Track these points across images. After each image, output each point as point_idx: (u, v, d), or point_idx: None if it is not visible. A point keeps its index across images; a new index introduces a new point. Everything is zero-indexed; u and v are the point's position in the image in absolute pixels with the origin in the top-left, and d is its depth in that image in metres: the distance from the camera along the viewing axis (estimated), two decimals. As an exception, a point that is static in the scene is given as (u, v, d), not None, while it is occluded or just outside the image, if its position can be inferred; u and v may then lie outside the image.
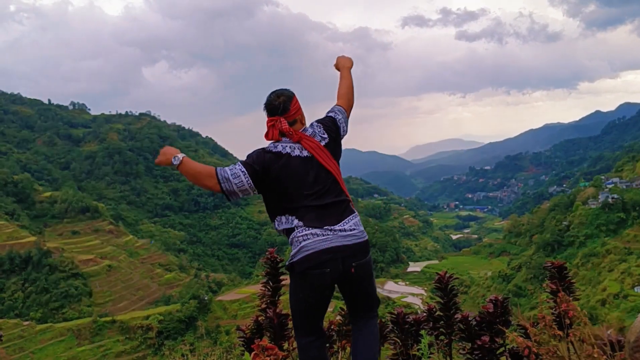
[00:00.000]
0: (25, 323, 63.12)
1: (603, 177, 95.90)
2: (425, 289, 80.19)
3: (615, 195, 79.94)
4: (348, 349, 3.71)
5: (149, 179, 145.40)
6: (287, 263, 2.87)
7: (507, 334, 3.11)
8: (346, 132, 3.25)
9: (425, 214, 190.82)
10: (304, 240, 2.76)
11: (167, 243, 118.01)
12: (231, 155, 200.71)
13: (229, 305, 68.78)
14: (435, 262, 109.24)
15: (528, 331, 2.93)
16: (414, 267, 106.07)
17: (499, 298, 3.42)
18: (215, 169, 2.90)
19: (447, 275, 3.76)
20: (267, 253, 4.02)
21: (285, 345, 3.57)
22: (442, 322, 3.68)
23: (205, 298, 69.05)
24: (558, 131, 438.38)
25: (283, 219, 2.88)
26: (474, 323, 3.41)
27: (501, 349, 3.27)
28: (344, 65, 3.51)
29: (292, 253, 2.81)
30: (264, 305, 3.93)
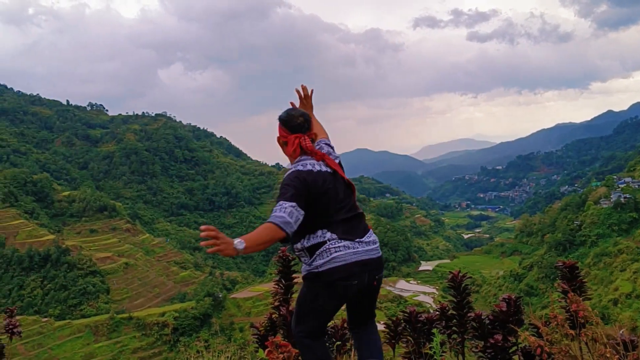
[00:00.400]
0: (44, 319, 63.84)
1: (615, 177, 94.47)
2: (437, 287, 79.83)
3: (628, 195, 78.95)
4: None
5: (165, 178, 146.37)
6: (309, 271, 2.85)
7: (519, 333, 3.12)
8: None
9: (437, 213, 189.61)
10: (336, 251, 2.78)
11: (183, 241, 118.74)
12: (245, 155, 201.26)
13: (243, 302, 69.00)
14: (447, 261, 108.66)
15: (540, 330, 2.94)
16: (426, 266, 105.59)
17: (512, 297, 3.42)
18: (274, 223, 2.70)
19: (460, 274, 3.77)
20: (279, 252, 4.05)
21: (299, 343, 3.60)
22: (454, 320, 3.69)
23: (220, 296, 69.33)
24: (570, 131, 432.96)
25: (319, 232, 2.85)
26: (487, 322, 3.42)
27: (514, 348, 3.27)
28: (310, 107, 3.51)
29: (318, 262, 2.79)
30: (277, 303, 3.96)
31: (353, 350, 3.79)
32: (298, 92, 3.49)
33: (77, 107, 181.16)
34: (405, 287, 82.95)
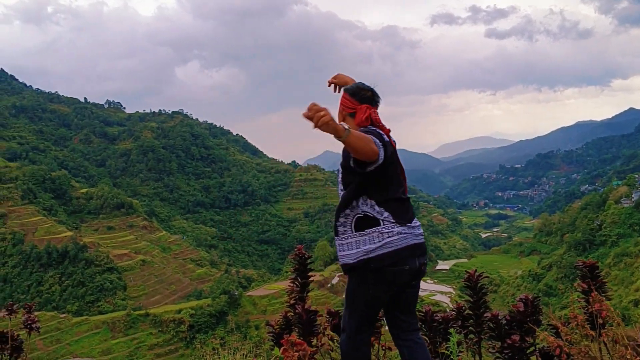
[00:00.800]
0: (62, 315, 64.68)
1: (637, 176, 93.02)
2: (454, 287, 79.36)
3: (650, 194, 77.88)
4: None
5: (182, 176, 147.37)
6: (357, 259, 2.75)
7: (537, 333, 3.08)
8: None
9: (454, 212, 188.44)
10: (390, 236, 2.73)
11: (199, 239, 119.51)
12: (261, 152, 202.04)
13: (259, 300, 69.27)
14: (464, 260, 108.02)
15: (559, 331, 2.90)
16: (443, 265, 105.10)
17: (530, 297, 3.38)
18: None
19: (477, 273, 3.73)
20: (295, 250, 4.04)
21: (314, 341, 3.60)
22: (471, 320, 3.66)
23: (236, 293, 69.66)
24: (590, 129, 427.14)
25: (376, 207, 2.79)
26: (504, 322, 3.38)
27: (531, 349, 3.23)
28: None
29: (369, 246, 2.72)
30: (292, 301, 3.96)
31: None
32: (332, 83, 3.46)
33: (94, 104, 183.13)
34: (421, 286, 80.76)
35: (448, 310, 3.94)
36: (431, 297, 69.73)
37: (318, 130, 2.33)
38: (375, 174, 2.73)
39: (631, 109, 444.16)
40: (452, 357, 3.47)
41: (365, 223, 2.77)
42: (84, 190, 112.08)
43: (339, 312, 3.78)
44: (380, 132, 2.85)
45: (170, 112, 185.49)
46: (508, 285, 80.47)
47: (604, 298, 3.02)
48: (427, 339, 3.65)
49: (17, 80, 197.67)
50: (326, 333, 3.69)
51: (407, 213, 2.87)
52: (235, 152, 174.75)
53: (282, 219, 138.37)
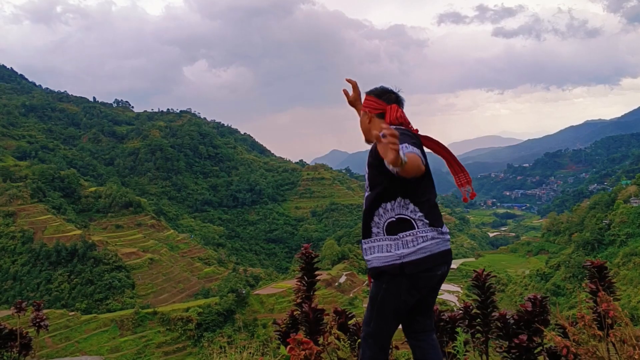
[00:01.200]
0: (71, 313, 64.94)
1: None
2: (461, 286, 79.10)
3: (659, 194, 77.30)
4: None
5: (189, 175, 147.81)
6: (391, 263, 2.69)
7: (545, 333, 3.07)
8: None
9: (462, 211, 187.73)
10: (424, 241, 2.69)
11: (207, 237, 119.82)
12: (269, 151, 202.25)
13: (266, 299, 69.33)
14: (472, 259, 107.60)
15: (567, 331, 2.89)
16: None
17: (538, 297, 3.36)
18: (413, 152, 2.56)
19: (485, 273, 3.72)
20: (302, 249, 4.04)
21: (320, 340, 3.60)
22: (478, 320, 3.65)
23: (243, 292, 69.74)
24: (599, 128, 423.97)
25: (410, 206, 2.75)
26: (512, 321, 3.37)
27: (539, 348, 3.22)
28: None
29: (403, 251, 2.67)
30: (299, 300, 3.96)
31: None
32: (350, 86, 3.40)
33: (103, 103, 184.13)
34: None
35: (455, 310, 3.93)
36: (438, 296, 69.44)
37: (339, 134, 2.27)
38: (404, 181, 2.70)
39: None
40: (459, 356, 3.46)
41: (398, 227, 2.73)
42: (93, 189, 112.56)
43: (345, 311, 3.78)
44: (413, 133, 2.87)
45: (178, 111, 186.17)
46: (516, 285, 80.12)
47: (611, 298, 3.00)
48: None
49: (26, 79, 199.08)
50: (333, 332, 3.68)
51: (440, 217, 2.85)
52: (243, 151, 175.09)
53: (290, 217, 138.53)
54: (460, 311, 3.79)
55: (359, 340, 3.11)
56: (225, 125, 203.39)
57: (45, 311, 4.88)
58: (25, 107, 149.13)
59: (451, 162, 3.12)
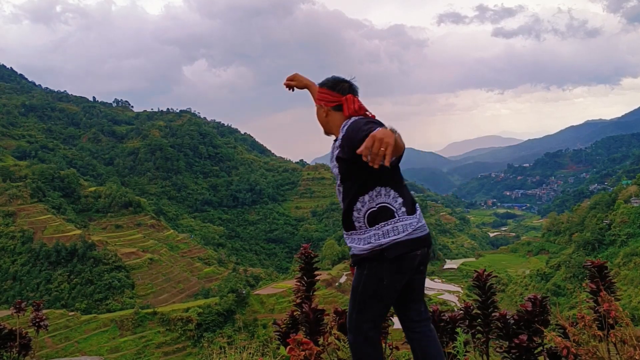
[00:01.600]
0: (71, 313, 64.94)
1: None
2: (462, 286, 79.20)
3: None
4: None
5: (189, 174, 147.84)
6: (371, 249, 2.69)
7: (545, 334, 3.06)
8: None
9: (462, 211, 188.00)
10: (404, 230, 2.68)
11: (207, 237, 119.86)
12: (269, 151, 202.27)
13: (266, 299, 69.34)
14: (472, 259, 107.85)
15: (567, 331, 2.89)
16: (451, 264, 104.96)
17: (538, 297, 3.36)
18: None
19: (485, 273, 3.71)
20: (302, 249, 4.03)
21: (321, 340, 3.59)
22: (479, 320, 3.65)
23: (243, 292, 69.75)
24: (600, 128, 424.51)
25: (382, 191, 2.73)
26: (512, 322, 3.36)
27: (539, 349, 3.22)
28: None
29: (382, 240, 2.66)
30: (299, 300, 3.96)
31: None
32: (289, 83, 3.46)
33: (103, 103, 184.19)
34: (429, 285, 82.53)
35: (456, 310, 3.93)
36: (439, 297, 69.62)
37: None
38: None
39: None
40: (459, 356, 3.46)
41: (380, 216, 2.70)
42: (93, 188, 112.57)
43: (345, 311, 3.77)
44: (376, 120, 2.77)
45: (178, 111, 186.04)
46: (516, 285, 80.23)
47: (612, 298, 3.00)
48: (434, 338, 3.64)
49: (26, 79, 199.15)
50: (333, 332, 3.68)
51: (415, 203, 2.84)
52: (243, 151, 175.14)
53: (290, 217, 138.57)
54: (461, 311, 3.78)
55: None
56: (225, 125, 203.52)
57: (44, 311, 4.88)
58: (25, 107, 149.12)
59: None
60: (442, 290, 78.45)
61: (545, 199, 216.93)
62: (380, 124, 2.65)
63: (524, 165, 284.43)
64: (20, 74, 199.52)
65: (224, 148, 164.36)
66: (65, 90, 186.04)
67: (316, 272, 4.02)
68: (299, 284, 4.02)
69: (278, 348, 3.88)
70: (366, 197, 2.73)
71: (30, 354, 4.61)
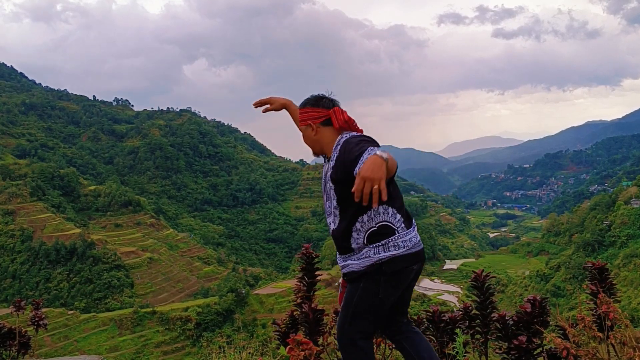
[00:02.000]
0: (70, 312, 64.97)
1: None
2: (462, 287, 79.21)
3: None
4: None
5: (189, 174, 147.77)
6: (370, 264, 2.63)
7: (545, 335, 3.06)
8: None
9: (462, 211, 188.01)
10: (404, 246, 2.64)
11: (206, 237, 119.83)
12: (269, 151, 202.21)
13: (266, 299, 69.34)
14: (472, 260, 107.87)
15: (567, 332, 2.88)
16: (450, 264, 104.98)
17: (537, 298, 3.35)
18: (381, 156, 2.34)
19: (484, 273, 3.71)
20: (302, 248, 4.03)
21: (320, 340, 3.59)
22: (478, 320, 3.65)
23: (243, 291, 69.75)
24: (600, 129, 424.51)
25: (381, 209, 2.66)
26: (511, 322, 3.36)
27: (538, 350, 3.21)
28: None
29: (382, 255, 2.61)
30: (299, 300, 3.96)
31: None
32: (261, 105, 3.41)
33: (103, 102, 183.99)
34: (429, 285, 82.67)
35: (455, 310, 3.93)
36: (438, 297, 69.72)
37: None
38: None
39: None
40: (458, 357, 3.45)
41: (380, 235, 2.65)
42: (92, 187, 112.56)
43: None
44: (367, 137, 2.74)
45: (178, 110, 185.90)
46: (515, 286, 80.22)
47: (611, 300, 2.99)
48: (434, 339, 3.65)
49: (26, 77, 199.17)
50: (332, 332, 3.68)
51: (409, 214, 2.80)
52: (243, 151, 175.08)
53: (290, 217, 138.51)
54: (460, 312, 3.78)
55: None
56: (225, 124, 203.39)
57: (44, 310, 4.88)
58: (25, 106, 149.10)
59: None
60: (441, 290, 78.52)
61: (545, 200, 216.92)
62: (372, 141, 2.63)
63: (524, 166, 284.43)
64: (21, 73, 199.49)
65: (223, 147, 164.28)
66: (65, 89, 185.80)
67: (317, 273, 4.02)
68: (299, 283, 4.01)
69: (277, 348, 3.88)
70: (365, 217, 2.66)
71: (30, 353, 4.61)
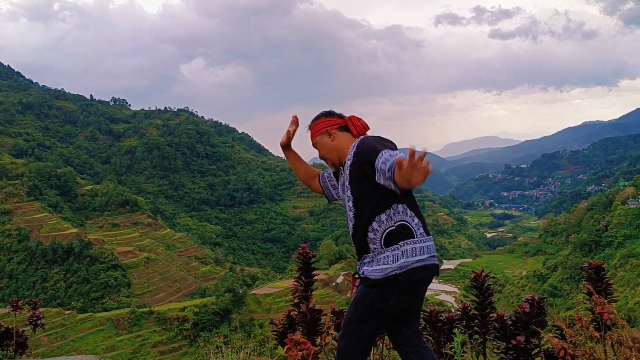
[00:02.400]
0: (67, 312, 64.81)
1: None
2: (459, 287, 79.30)
3: (657, 195, 77.57)
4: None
5: (187, 173, 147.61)
6: (385, 275, 2.54)
7: (542, 335, 3.06)
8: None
9: (460, 211, 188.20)
10: (421, 252, 2.57)
11: (204, 237, 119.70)
12: (267, 151, 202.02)
13: (263, 299, 69.27)
14: (469, 260, 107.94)
15: (564, 332, 2.89)
16: (448, 265, 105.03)
17: (535, 298, 3.36)
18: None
19: (483, 273, 3.72)
20: (299, 248, 4.03)
21: (318, 340, 3.59)
22: (476, 320, 3.65)
23: (240, 291, 69.69)
24: (597, 129, 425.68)
25: (400, 208, 2.60)
26: (509, 322, 3.37)
27: (536, 350, 3.22)
28: None
29: (401, 262, 2.52)
30: (296, 300, 3.95)
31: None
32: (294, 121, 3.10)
33: (100, 101, 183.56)
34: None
35: (453, 310, 3.93)
36: (436, 297, 69.74)
37: None
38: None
39: (639, 110, 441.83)
40: (456, 357, 3.46)
41: (399, 235, 2.57)
42: (89, 187, 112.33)
43: (343, 311, 3.77)
44: (387, 140, 2.68)
45: (175, 110, 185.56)
46: (513, 286, 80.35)
47: (606, 301, 3.00)
48: (431, 338, 3.65)
49: (23, 77, 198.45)
50: (330, 332, 3.68)
51: (425, 221, 2.74)
52: (241, 150, 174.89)
53: (287, 217, 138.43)
54: (458, 312, 3.79)
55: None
56: (223, 124, 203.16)
57: (41, 310, 4.87)
58: (22, 105, 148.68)
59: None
60: (439, 290, 78.53)
61: (543, 200, 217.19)
62: (390, 142, 2.61)
63: (522, 166, 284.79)
64: (18, 72, 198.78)
65: (221, 147, 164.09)
66: (62, 89, 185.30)
67: (314, 272, 4.02)
68: (296, 283, 4.01)
69: (275, 348, 3.88)
70: (383, 216, 2.59)
71: (27, 353, 4.60)
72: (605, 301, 2.99)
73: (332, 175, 3.13)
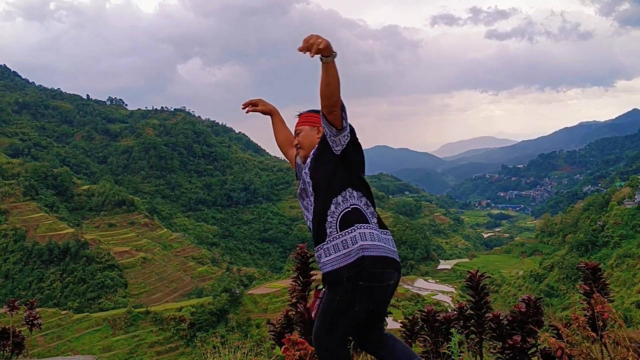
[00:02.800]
0: (63, 312, 64.69)
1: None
2: (456, 287, 79.30)
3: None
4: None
5: (183, 173, 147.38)
6: (349, 261, 2.53)
7: (539, 334, 3.07)
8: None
9: (456, 211, 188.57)
10: (379, 239, 2.58)
11: (200, 237, 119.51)
12: (264, 150, 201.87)
13: (260, 299, 69.17)
14: (466, 260, 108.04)
15: (561, 332, 2.90)
16: (445, 264, 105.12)
17: (532, 298, 3.37)
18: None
19: (479, 273, 3.72)
20: (297, 248, 4.03)
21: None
22: (473, 320, 3.66)
23: (237, 291, 69.56)
24: (594, 129, 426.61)
25: (355, 193, 2.64)
26: (506, 322, 3.37)
27: (533, 349, 3.22)
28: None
29: (363, 243, 2.52)
30: (294, 300, 3.95)
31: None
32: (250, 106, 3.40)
33: (97, 101, 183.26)
34: (423, 285, 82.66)
35: (450, 310, 3.94)
36: (433, 297, 69.71)
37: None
38: (354, 155, 2.66)
39: (635, 110, 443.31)
40: (453, 357, 3.46)
41: (354, 217, 2.59)
42: (86, 187, 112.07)
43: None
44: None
45: (172, 110, 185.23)
46: (509, 286, 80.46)
47: (605, 300, 3.01)
48: (428, 338, 3.65)
49: (19, 76, 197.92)
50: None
51: (382, 221, 2.76)
52: (238, 150, 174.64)
53: (284, 217, 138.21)
54: (455, 312, 3.79)
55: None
56: (220, 124, 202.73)
57: (37, 310, 4.86)
58: (18, 104, 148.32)
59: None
60: (435, 290, 78.53)
61: (539, 200, 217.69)
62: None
63: (518, 166, 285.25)
64: (14, 72, 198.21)
65: (218, 147, 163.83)
66: (59, 88, 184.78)
67: (312, 272, 4.02)
68: (294, 283, 4.01)
69: (272, 348, 3.88)
70: (339, 198, 2.62)
71: (23, 353, 4.59)
72: (605, 300, 3.00)
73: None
